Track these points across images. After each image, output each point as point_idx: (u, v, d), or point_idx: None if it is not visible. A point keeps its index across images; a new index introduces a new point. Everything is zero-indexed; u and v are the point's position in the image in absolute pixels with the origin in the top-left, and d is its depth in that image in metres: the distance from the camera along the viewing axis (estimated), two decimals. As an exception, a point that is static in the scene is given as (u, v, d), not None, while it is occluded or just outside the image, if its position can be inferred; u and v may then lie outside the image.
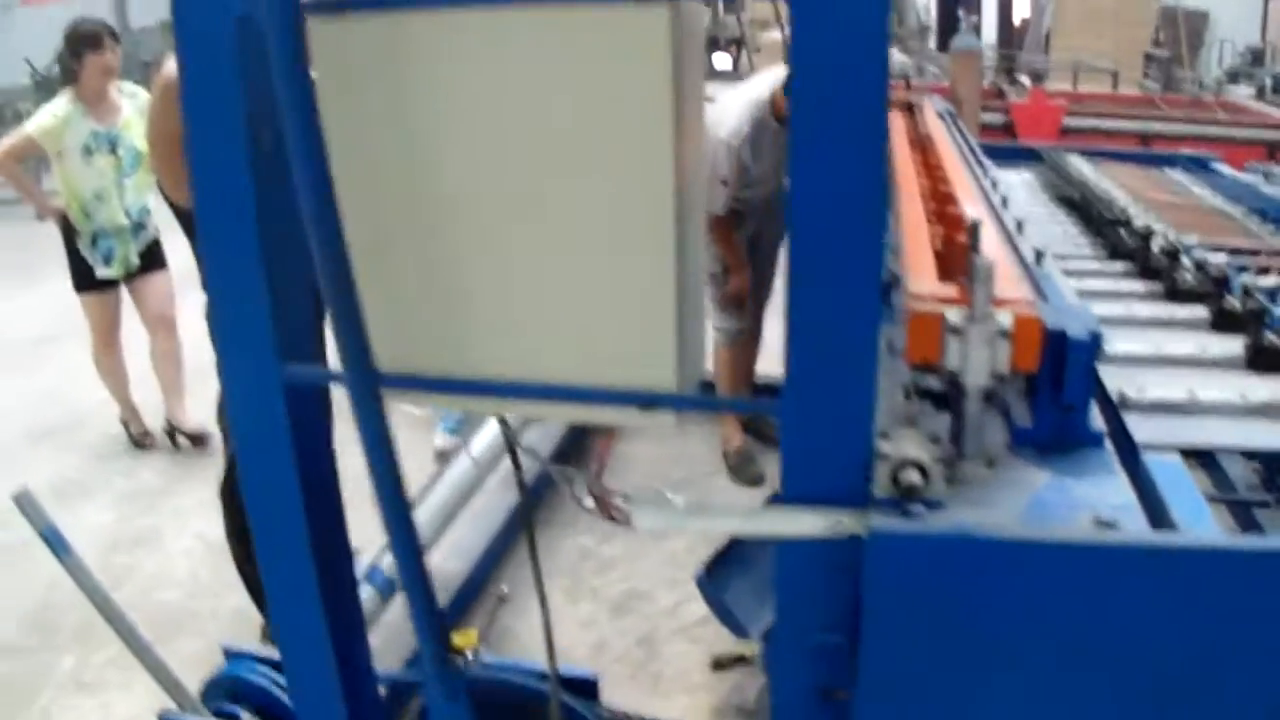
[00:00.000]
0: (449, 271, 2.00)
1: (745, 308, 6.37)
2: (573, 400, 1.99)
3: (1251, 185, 4.91)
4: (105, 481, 7.02)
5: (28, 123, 6.65)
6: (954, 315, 1.94)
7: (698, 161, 1.97)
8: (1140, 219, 3.68)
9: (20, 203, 8.97)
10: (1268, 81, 19.14)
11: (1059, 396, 2.12)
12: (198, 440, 7.24)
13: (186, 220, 5.03)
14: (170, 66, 4.72)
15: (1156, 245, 3.37)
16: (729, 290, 6.11)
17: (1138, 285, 3.30)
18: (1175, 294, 3.11)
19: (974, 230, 2.12)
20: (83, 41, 6.47)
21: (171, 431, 7.34)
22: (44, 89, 25.10)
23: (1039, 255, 2.75)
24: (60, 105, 6.59)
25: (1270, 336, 2.58)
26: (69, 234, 6.82)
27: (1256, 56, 24.62)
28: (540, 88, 1.86)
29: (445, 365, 2.05)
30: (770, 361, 6.62)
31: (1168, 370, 2.58)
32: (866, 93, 1.63)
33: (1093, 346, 2.11)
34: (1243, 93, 18.36)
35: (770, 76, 5.90)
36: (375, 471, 1.99)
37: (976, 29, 10.91)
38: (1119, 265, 3.54)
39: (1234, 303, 2.82)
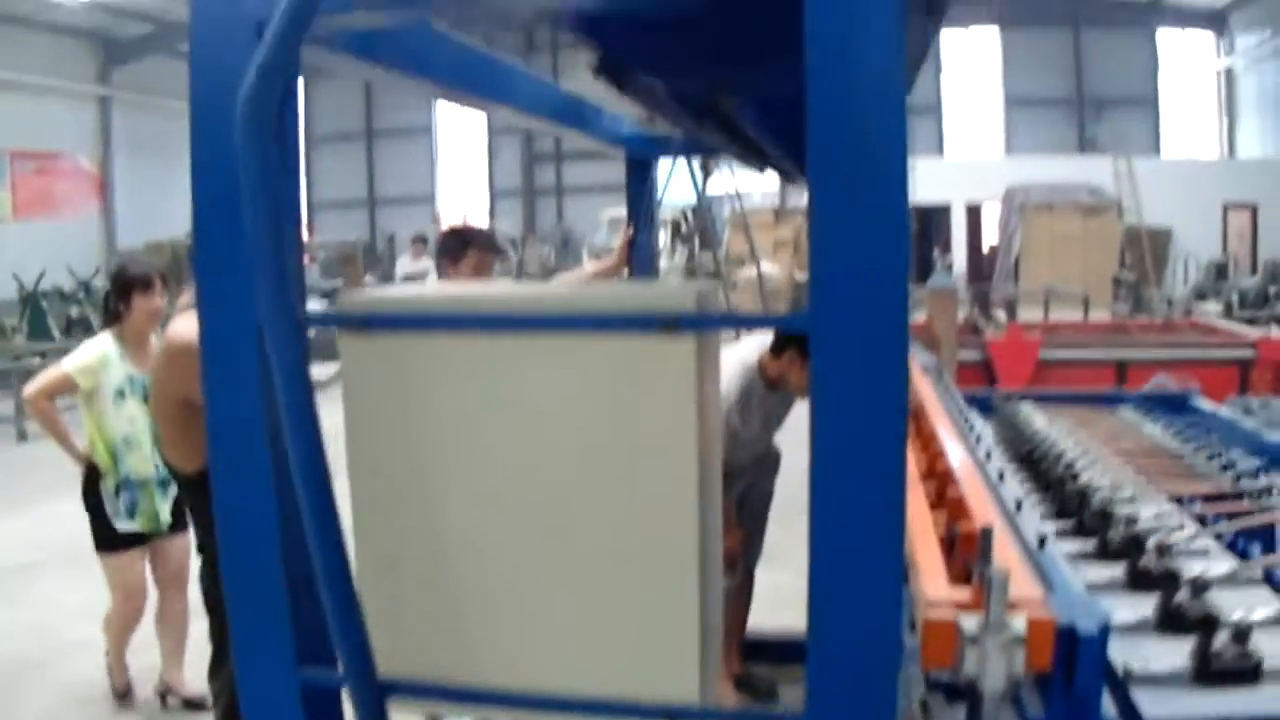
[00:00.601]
0: (468, 582, 2.02)
1: (736, 566, 6.35)
2: (592, 713, 1.99)
3: (1229, 421, 5.00)
4: (85, 730, 6.82)
5: (65, 360, 6.41)
6: (969, 623, 1.97)
7: (716, 479, 2.02)
8: (1084, 476, 3.70)
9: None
10: (1234, 297, 19.54)
11: (1070, 689, 2.14)
12: (193, 705, 6.86)
13: (187, 485, 5.01)
14: (175, 328, 4.75)
15: (1092, 503, 3.38)
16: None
17: (1075, 545, 3.28)
18: (1105, 553, 3.11)
19: (986, 539, 2.15)
20: (134, 283, 6.15)
21: (165, 693, 7.01)
22: (30, 305, 25.46)
23: (1042, 540, 2.79)
24: (102, 344, 6.29)
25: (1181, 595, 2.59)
26: (92, 483, 6.44)
27: (1220, 270, 25.22)
28: (567, 409, 1.92)
29: (458, 673, 2.05)
30: (761, 615, 6.59)
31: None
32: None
33: (1103, 640, 2.13)
34: (1211, 309, 18.75)
35: (757, 341, 6.02)
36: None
37: (949, 267, 11.18)
38: (1064, 524, 3.53)
39: (1149, 563, 2.84)
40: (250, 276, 1.80)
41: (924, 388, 4.87)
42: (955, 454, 3.43)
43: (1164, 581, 2.73)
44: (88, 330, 23.62)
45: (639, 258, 4.79)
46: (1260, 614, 2.53)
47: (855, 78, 1.61)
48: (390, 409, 2.01)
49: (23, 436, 14.37)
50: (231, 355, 2.00)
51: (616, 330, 1.84)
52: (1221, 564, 2.91)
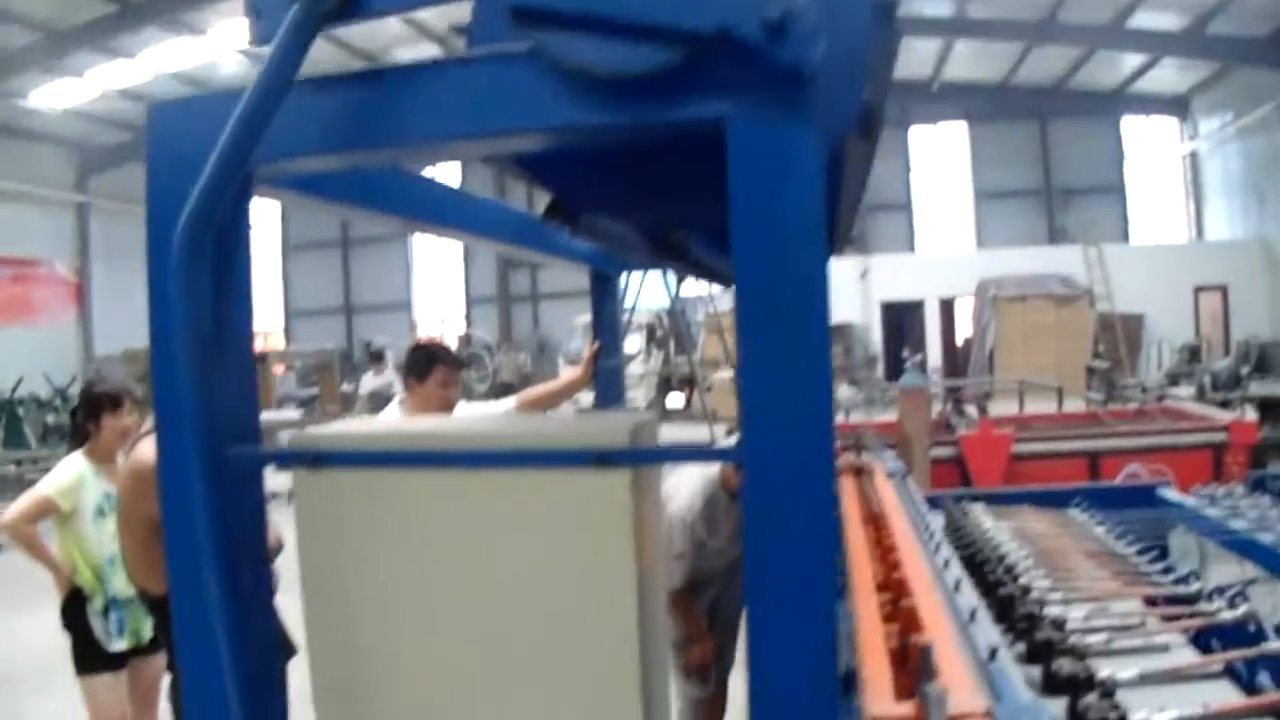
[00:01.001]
0: (418, 708, 2.06)
1: (709, 676, 6.32)
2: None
3: (1193, 512, 5.05)
4: None
5: (41, 483, 6.35)
6: (911, 742, 2.01)
7: (658, 605, 2.06)
8: (1021, 580, 3.74)
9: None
10: (1206, 380, 19.67)
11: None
12: None
13: (155, 606, 5.00)
14: (142, 451, 4.76)
15: (1021, 607, 3.43)
16: (691, 660, 6.06)
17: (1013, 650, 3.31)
18: (1033, 657, 3.15)
19: (926, 657, 2.20)
20: (103, 402, 6.12)
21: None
22: (6, 412, 25.37)
23: (993, 652, 2.82)
24: (75, 464, 6.22)
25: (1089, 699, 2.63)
26: (76, 605, 6.29)
27: (1193, 353, 25.41)
28: (509, 540, 1.98)
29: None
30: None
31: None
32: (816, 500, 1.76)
33: (1046, 750, 2.17)
34: (1183, 394, 18.85)
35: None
36: None
37: (921, 365, 11.25)
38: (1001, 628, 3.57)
39: (1062, 666, 2.89)
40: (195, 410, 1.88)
41: (886, 493, 4.91)
42: (911, 563, 3.46)
43: (1076, 685, 2.78)
44: (64, 438, 23.60)
45: (604, 372, 4.84)
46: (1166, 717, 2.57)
47: (777, 228, 1.70)
48: (341, 540, 2.07)
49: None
50: (185, 483, 2.03)
51: (554, 465, 1.90)
52: (1133, 667, 2.95)
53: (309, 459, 2.06)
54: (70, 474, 5.96)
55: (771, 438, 1.74)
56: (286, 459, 2.11)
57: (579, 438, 1.97)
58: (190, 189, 1.90)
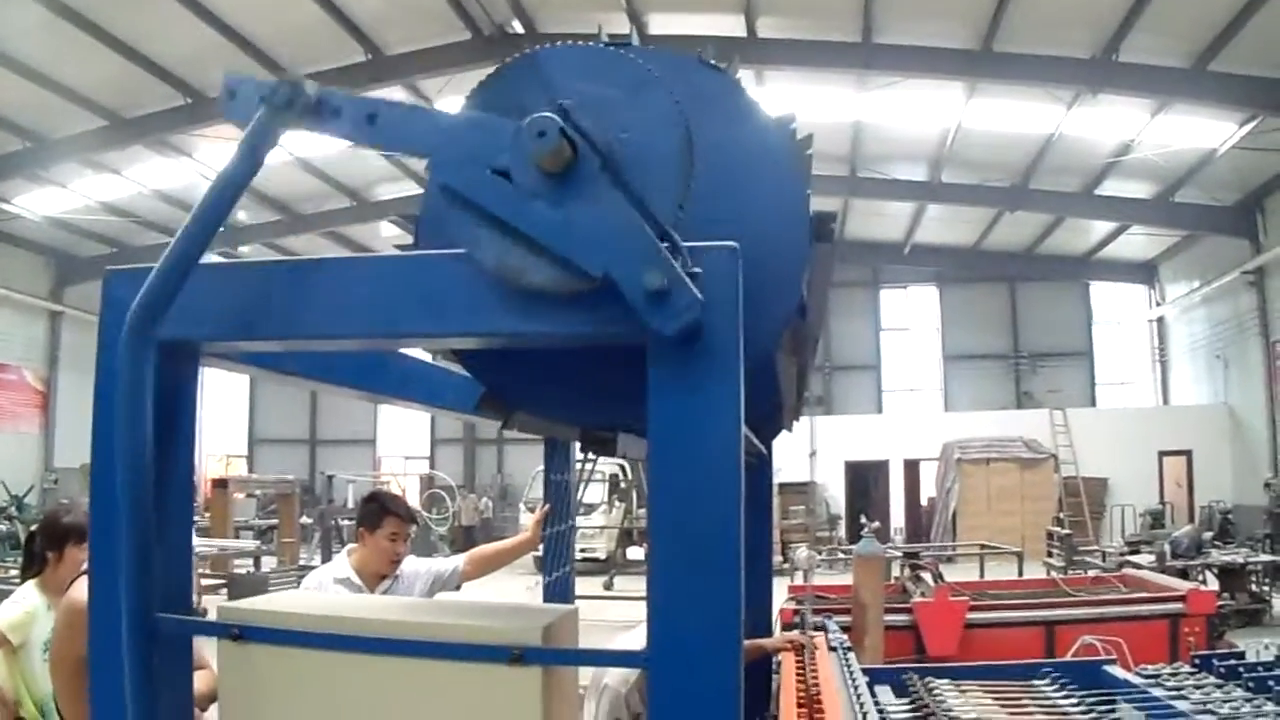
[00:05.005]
0: None
1: None
2: None
3: (1138, 690, 5.06)
4: None
5: None
6: None
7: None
8: None
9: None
10: (1166, 548, 19.67)
11: None
12: None
13: (83, 748, 4.94)
14: (77, 591, 4.72)
15: None
16: None
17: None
18: None
19: None
20: (70, 533, 5.68)
21: None
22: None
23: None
24: (27, 597, 6.03)
25: None
26: None
27: (1156, 518, 25.44)
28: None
29: None
30: None
31: None
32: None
33: None
34: (1145, 561, 18.84)
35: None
36: None
37: (879, 532, 11.23)
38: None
39: None
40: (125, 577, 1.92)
41: (825, 671, 4.91)
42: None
43: None
44: (15, 547, 23.27)
45: (551, 537, 4.84)
46: None
47: (692, 459, 1.77)
48: (259, 712, 2.08)
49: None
50: (114, 645, 2.04)
51: (467, 658, 1.93)
52: None
53: (232, 632, 2.09)
54: (22, 609, 5.76)
55: (678, 645, 1.78)
56: (212, 630, 2.13)
57: (493, 633, 2.00)
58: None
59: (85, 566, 5.32)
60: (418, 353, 3.16)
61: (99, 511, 2.13)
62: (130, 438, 1.91)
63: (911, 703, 4.92)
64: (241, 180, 1.95)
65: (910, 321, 38.33)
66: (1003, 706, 4.92)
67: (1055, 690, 5.40)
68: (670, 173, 1.86)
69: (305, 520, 26.44)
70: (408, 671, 1.99)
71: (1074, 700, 5.22)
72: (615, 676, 5.65)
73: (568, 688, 2.12)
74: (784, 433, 5.11)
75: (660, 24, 20.56)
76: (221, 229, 1.94)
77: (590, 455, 5.16)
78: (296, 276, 2.00)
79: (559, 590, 4.52)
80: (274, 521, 25.65)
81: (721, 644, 1.77)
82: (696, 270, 1.77)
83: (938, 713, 4.61)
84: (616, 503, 27.71)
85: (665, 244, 1.77)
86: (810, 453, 30.28)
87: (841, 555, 18.30)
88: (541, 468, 18.53)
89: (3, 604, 5.93)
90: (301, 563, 21.25)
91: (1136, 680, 5.50)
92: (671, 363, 1.79)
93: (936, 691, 4.97)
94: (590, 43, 2.06)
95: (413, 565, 5.47)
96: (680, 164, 1.86)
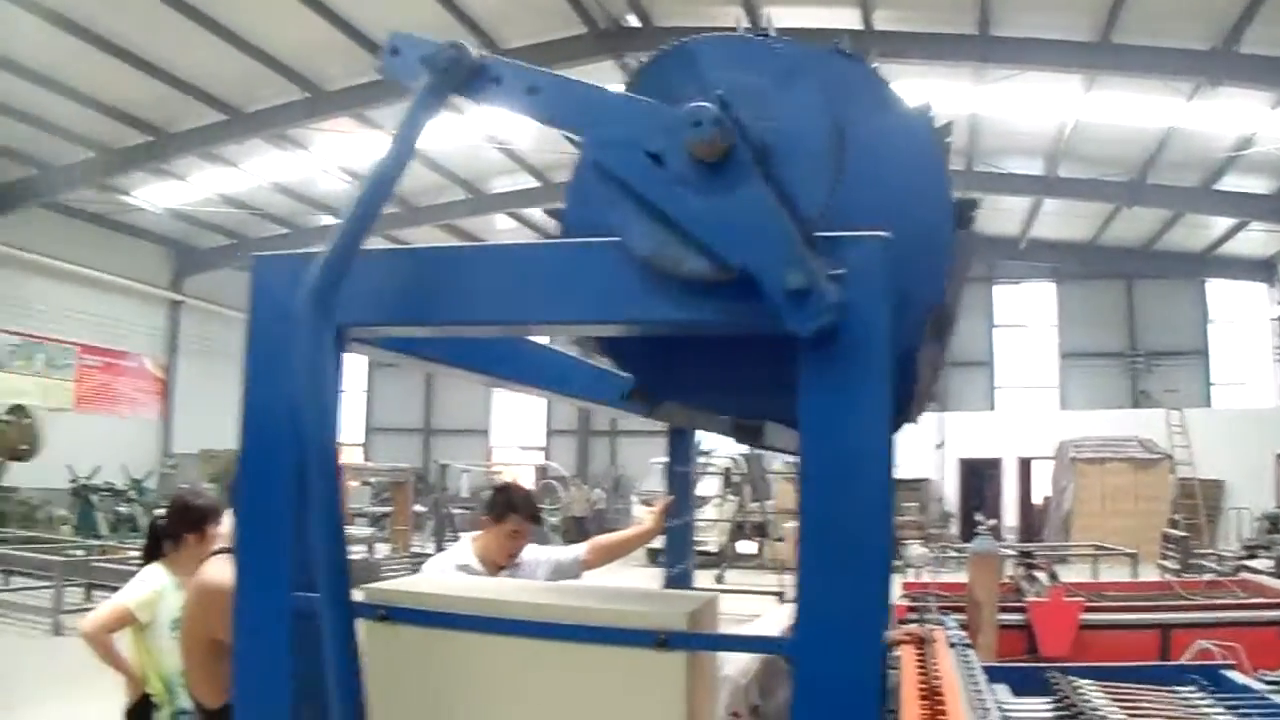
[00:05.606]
0: None
1: None
2: None
3: (1258, 695, 4.94)
4: None
5: (123, 593, 6.36)
6: None
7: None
8: None
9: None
10: (1284, 551, 19.18)
11: None
12: None
13: (209, 719, 5.04)
14: (210, 571, 4.84)
15: None
16: None
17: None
18: None
19: None
20: (208, 516, 6.06)
21: None
22: (79, 497, 25.76)
23: None
24: (157, 577, 6.23)
25: None
26: (143, 712, 6.23)
27: (1274, 522, 24.79)
28: (565, 708, 2.03)
29: None
30: None
31: None
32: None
33: None
34: (1262, 566, 18.40)
35: (787, 612, 5.99)
36: None
37: (995, 530, 11.08)
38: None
39: None
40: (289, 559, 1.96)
41: (946, 665, 4.87)
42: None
43: None
44: (134, 530, 23.87)
45: (673, 530, 4.84)
46: None
47: (840, 454, 1.78)
48: (408, 693, 2.13)
49: (58, 630, 14.28)
50: (260, 625, 2.10)
51: (614, 642, 1.95)
52: None
53: (379, 614, 2.13)
54: (151, 588, 5.97)
55: (823, 636, 1.78)
56: (360, 611, 2.17)
57: (640, 618, 2.02)
58: (286, 339, 1.97)
59: (217, 547, 5.49)
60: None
61: (250, 492, 2.16)
62: (319, 423, 1.95)
63: (1057, 701, 4.87)
64: (406, 152, 1.99)
65: (1025, 318, 37.80)
66: (1138, 709, 4.83)
67: (1196, 694, 5.30)
68: (820, 163, 1.87)
69: (419, 508, 26.79)
70: (550, 654, 2.02)
71: (1209, 702, 5.12)
72: (735, 667, 5.65)
73: (708, 674, 2.14)
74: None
75: (777, 17, 20.32)
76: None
77: (706, 449, 5.15)
78: (449, 262, 2.03)
79: (679, 582, 4.52)
80: (388, 509, 26.02)
81: (865, 635, 1.77)
82: (840, 271, 1.76)
83: (1086, 712, 4.55)
84: (729, 496, 27.60)
85: (810, 241, 1.77)
86: (938, 444, 29.85)
87: (954, 553, 18.06)
88: (658, 459, 18.52)
89: (130, 583, 6.15)
90: (414, 550, 21.53)
91: (1258, 686, 5.37)
92: (818, 359, 1.79)
93: (1080, 690, 4.91)
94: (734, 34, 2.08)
95: (533, 553, 5.53)
96: (830, 154, 1.87)
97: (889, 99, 2.16)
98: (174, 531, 5.96)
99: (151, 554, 6.20)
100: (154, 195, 30.62)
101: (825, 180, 1.86)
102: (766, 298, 1.75)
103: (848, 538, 1.77)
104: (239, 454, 2.17)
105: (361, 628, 2.16)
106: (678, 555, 4.55)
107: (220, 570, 4.69)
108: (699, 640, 2.01)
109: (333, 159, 27.82)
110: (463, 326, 2.12)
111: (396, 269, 2.03)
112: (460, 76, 1.96)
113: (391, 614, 2.13)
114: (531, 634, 2.01)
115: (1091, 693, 4.98)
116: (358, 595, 2.29)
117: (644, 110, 1.88)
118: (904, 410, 2.28)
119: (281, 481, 2.04)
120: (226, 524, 5.81)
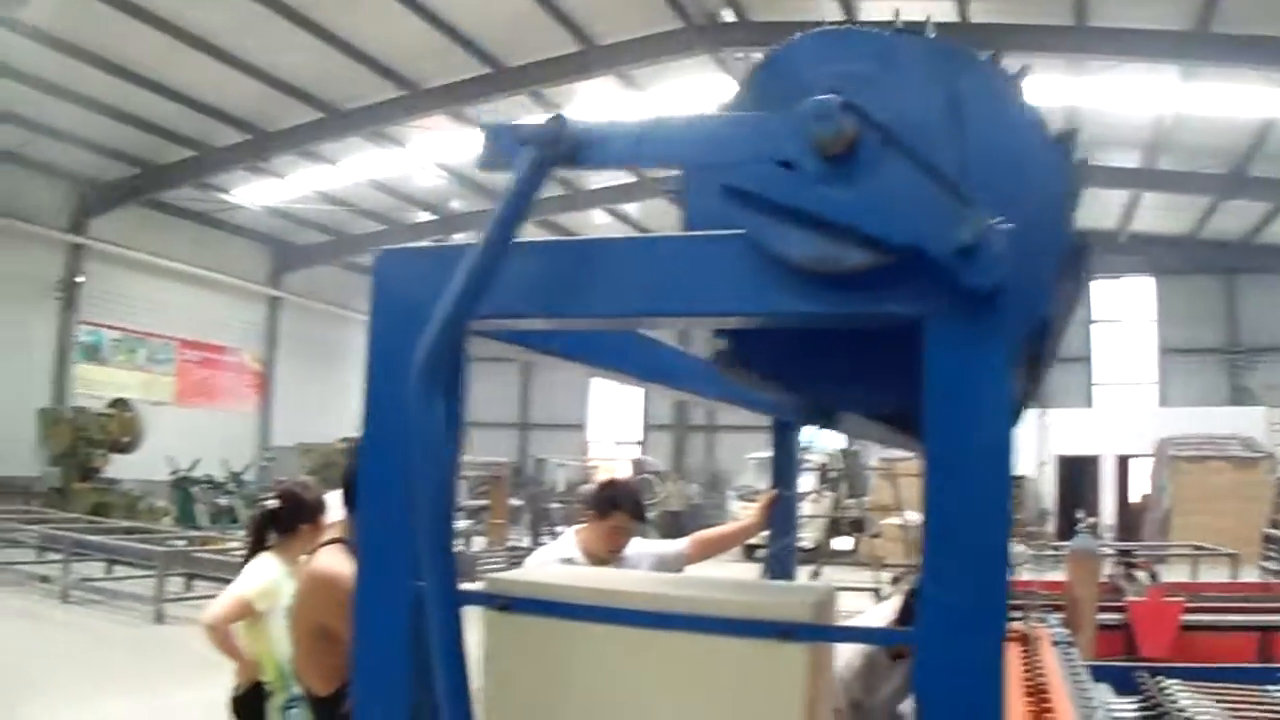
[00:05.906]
0: None
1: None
2: None
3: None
4: None
5: (239, 585, 6.41)
6: None
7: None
8: None
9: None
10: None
11: None
12: None
13: (317, 705, 5.14)
14: (323, 561, 4.93)
15: None
16: None
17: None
18: None
19: None
20: (319, 508, 6.18)
21: None
22: (179, 489, 26.28)
23: None
24: (270, 567, 6.36)
25: None
26: (254, 699, 6.38)
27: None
28: (685, 700, 2.05)
29: None
30: None
31: None
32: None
33: None
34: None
35: (886, 609, 5.97)
36: None
37: (1093, 528, 10.92)
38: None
39: None
40: (409, 549, 1.98)
41: (1050, 663, 4.83)
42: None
43: None
44: (233, 522, 24.32)
45: (779, 522, 4.83)
46: None
47: (976, 440, 1.77)
48: (526, 683, 2.17)
49: (159, 619, 14.55)
50: (380, 614, 2.13)
51: (736, 633, 1.97)
52: None
53: (500, 603, 2.17)
54: (268, 577, 6.09)
55: (947, 623, 1.78)
56: (480, 600, 2.21)
57: (762, 609, 2.03)
58: (412, 334, 1.98)
59: (326, 537, 5.60)
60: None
61: (372, 484, 2.18)
62: (436, 499, 1.97)
63: (1143, 700, 4.82)
64: (508, 237, 1.96)
65: (1123, 313, 37.17)
66: (1229, 709, 4.76)
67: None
68: (943, 130, 1.88)
69: (515, 502, 26.98)
70: (669, 645, 2.03)
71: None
72: (838, 661, 5.64)
73: (827, 666, 2.15)
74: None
75: (870, 10, 20.20)
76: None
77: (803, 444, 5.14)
78: (576, 256, 2.06)
79: (780, 577, 4.51)
80: (484, 503, 26.28)
81: (990, 625, 1.78)
82: (1001, 223, 1.75)
83: (1171, 712, 4.50)
84: (825, 492, 27.45)
85: (963, 198, 1.77)
86: (1043, 429, 29.50)
87: (1050, 551, 17.82)
88: (754, 454, 18.42)
89: (244, 574, 6.28)
90: (510, 544, 21.70)
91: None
92: (968, 327, 1.79)
93: (1168, 691, 4.85)
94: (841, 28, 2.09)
95: (637, 547, 5.56)
96: (951, 130, 1.88)
97: (1011, 87, 2.14)
98: (290, 523, 6.10)
99: (258, 544, 6.34)
100: (253, 193, 31.25)
101: (955, 144, 1.87)
102: (937, 264, 1.75)
103: (976, 524, 1.77)
104: (360, 447, 2.20)
105: (482, 618, 2.20)
106: (781, 550, 4.55)
107: (333, 560, 4.79)
108: (821, 632, 2.02)
109: (428, 155, 28.25)
110: (589, 319, 2.12)
111: (523, 261, 2.05)
112: (564, 151, 1.95)
113: (512, 605, 2.16)
114: (655, 625, 2.03)
115: (1179, 693, 4.91)
116: (477, 586, 2.32)
117: (760, 122, 1.89)
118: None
119: (390, 475, 2.07)
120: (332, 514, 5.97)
